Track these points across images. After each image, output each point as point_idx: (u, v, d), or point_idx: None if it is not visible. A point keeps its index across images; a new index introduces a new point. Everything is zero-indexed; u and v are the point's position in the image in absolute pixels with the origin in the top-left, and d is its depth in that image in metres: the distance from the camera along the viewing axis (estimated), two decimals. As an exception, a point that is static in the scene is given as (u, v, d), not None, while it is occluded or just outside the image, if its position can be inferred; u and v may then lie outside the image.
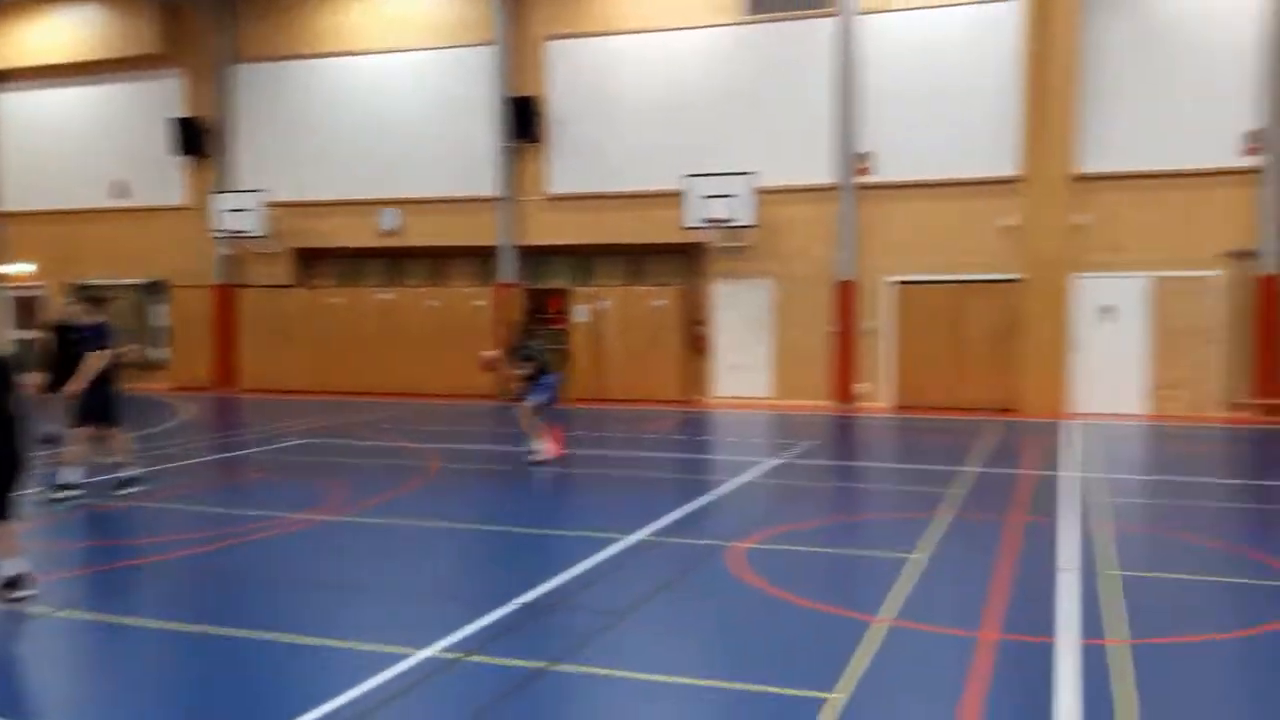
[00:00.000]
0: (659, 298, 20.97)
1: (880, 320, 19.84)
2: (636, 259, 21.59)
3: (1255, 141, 17.62)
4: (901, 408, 19.48)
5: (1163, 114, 18.10)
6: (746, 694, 5.27)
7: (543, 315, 21.50)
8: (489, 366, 14.68)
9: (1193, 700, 5.27)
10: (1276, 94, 17.35)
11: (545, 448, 12.68)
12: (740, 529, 9.07)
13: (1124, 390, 18.43)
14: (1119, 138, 18.32)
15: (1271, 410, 17.37)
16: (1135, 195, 18.31)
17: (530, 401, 12.84)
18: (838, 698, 5.12)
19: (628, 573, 7.62)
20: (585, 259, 21.94)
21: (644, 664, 5.73)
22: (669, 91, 20.90)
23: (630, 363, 21.02)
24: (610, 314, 21.20)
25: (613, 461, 13.39)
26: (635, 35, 21.08)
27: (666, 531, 8.91)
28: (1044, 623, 6.30)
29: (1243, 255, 17.78)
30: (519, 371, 13.01)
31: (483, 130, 21.95)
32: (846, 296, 19.83)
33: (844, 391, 19.84)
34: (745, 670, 5.63)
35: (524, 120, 21.43)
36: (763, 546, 8.41)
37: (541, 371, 12.98)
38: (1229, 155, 17.77)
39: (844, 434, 16.92)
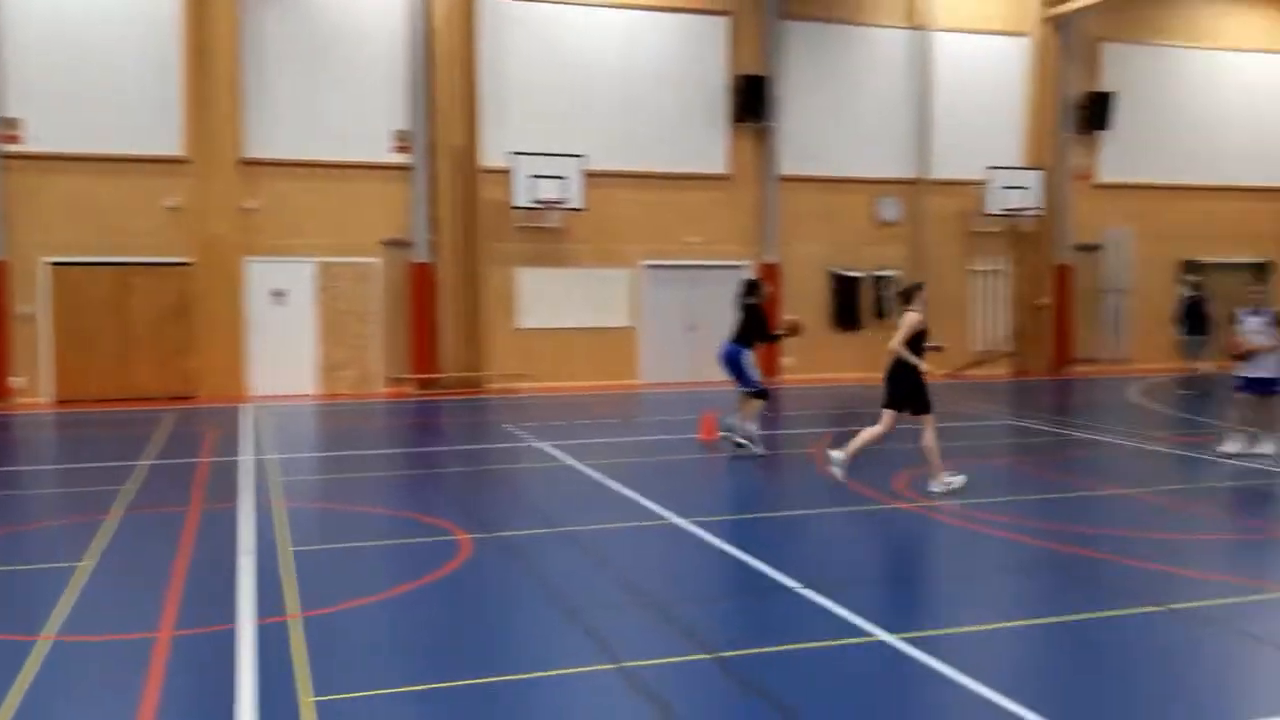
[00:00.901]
0: None
1: (36, 305, 17.88)
2: None
3: (403, 141, 19.54)
4: (63, 402, 17.82)
5: (324, 108, 19.09)
6: None
7: None
8: None
9: (358, 658, 5.66)
10: (418, 100, 19.42)
11: None
12: None
13: (298, 371, 19.16)
14: (284, 127, 18.89)
15: (425, 384, 19.53)
16: (302, 184, 19.07)
17: None
18: (-9, 738, 4.53)
19: None
20: None
21: None
22: None
23: None
24: None
25: None
26: None
27: None
28: (226, 609, 6.28)
29: (397, 244, 19.62)
30: None
31: None
32: (-7, 279, 17.50)
33: (-6, 387, 17.53)
34: None
35: None
36: (-113, 578, 7.05)
37: None
38: (383, 151, 19.44)
39: (-5, 435, 14.96)
